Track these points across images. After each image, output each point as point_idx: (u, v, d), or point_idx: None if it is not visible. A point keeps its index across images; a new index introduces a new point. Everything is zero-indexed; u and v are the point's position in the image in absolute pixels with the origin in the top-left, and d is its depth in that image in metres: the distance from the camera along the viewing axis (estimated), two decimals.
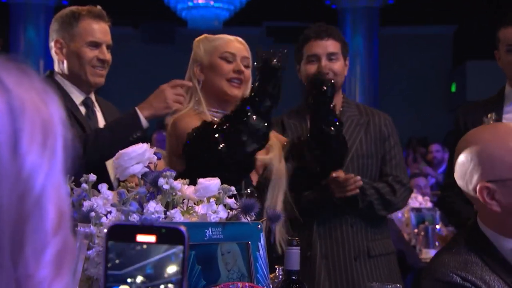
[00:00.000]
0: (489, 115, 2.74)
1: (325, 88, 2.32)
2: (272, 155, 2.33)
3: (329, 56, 2.71)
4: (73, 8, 2.55)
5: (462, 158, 1.72)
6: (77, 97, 2.54)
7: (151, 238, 0.66)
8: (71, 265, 0.62)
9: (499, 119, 2.74)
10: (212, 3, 11.03)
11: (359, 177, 2.58)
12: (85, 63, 2.48)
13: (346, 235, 2.68)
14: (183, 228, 0.66)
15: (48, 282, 0.59)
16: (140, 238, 0.66)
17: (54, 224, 0.60)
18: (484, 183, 1.64)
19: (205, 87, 2.40)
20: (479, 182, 1.65)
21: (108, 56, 2.54)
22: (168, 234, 0.66)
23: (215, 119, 2.30)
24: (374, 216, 2.74)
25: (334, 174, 2.53)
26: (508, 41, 2.74)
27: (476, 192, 1.66)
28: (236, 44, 2.41)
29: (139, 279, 0.66)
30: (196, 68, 2.43)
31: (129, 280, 0.66)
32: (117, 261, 0.66)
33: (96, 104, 2.63)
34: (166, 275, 0.66)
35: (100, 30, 2.52)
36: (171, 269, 0.66)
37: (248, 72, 2.39)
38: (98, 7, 2.58)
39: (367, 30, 11.30)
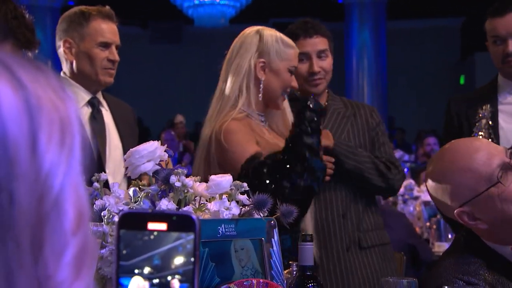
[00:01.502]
0: (484, 107, 2.71)
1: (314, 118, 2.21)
2: None
3: (319, 53, 2.68)
4: (82, 7, 2.55)
5: (430, 192, 1.73)
6: (83, 97, 2.54)
7: (162, 226, 0.65)
8: (92, 266, 0.61)
9: (494, 110, 2.71)
10: (218, 0, 11.02)
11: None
12: (96, 64, 2.49)
13: (338, 226, 2.64)
14: (194, 215, 0.66)
15: (69, 283, 0.58)
16: (151, 226, 0.66)
17: (73, 225, 0.59)
18: (459, 209, 1.63)
19: (264, 88, 2.35)
20: (454, 210, 1.64)
21: (117, 56, 2.55)
22: (179, 222, 0.65)
23: (262, 124, 2.32)
24: (368, 187, 2.67)
25: None
26: (492, 32, 2.71)
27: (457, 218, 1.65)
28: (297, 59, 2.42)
29: (147, 270, 0.65)
30: (257, 63, 2.32)
31: (136, 271, 0.66)
32: (124, 252, 0.66)
33: (104, 103, 2.62)
34: (173, 266, 0.65)
35: (110, 30, 2.53)
36: (179, 260, 0.65)
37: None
38: (107, 7, 2.58)
39: (374, 24, 11.25)
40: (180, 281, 0.65)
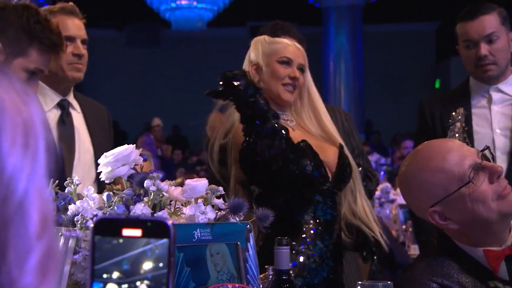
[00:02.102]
0: (457, 110, 2.72)
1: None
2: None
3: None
4: (45, 7, 2.52)
5: (402, 193, 1.77)
6: (52, 99, 2.49)
7: (137, 232, 0.65)
8: (56, 270, 0.61)
9: (467, 114, 2.72)
10: (195, 3, 11.00)
11: None
12: (61, 59, 2.45)
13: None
14: (168, 221, 0.66)
15: None
16: (126, 232, 0.66)
17: (37, 229, 0.58)
18: (430, 209, 1.65)
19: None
20: (426, 210, 1.66)
21: (83, 50, 2.50)
22: (154, 228, 0.65)
23: (284, 122, 2.35)
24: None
25: None
26: (464, 36, 2.70)
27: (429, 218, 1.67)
28: (294, 49, 2.43)
29: (115, 274, 0.65)
30: (251, 69, 2.42)
31: (104, 275, 0.65)
32: (97, 255, 0.66)
33: (75, 105, 2.57)
34: (142, 271, 0.65)
35: (73, 25, 2.49)
36: (148, 265, 0.65)
37: (302, 78, 2.42)
38: (70, 3, 2.55)
39: (351, 28, 11.33)
40: (149, 286, 0.65)
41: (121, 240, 0.66)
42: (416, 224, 2.86)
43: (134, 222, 0.66)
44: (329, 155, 2.34)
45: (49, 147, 0.61)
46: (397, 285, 1.73)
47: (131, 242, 0.66)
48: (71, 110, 2.54)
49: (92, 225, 1.30)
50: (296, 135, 2.31)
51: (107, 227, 0.66)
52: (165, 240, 0.65)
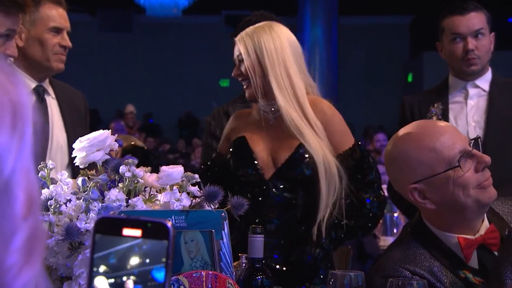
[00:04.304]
0: (435, 105, 2.82)
1: None
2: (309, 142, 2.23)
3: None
4: None
5: (386, 166, 1.78)
6: (27, 85, 2.47)
7: (137, 232, 0.67)
8: (42, 252, 0.60)
9: (445, 108, 2.82)
10: None
11: None
12: (47, 49, 2.43)
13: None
14: (168, 223, 0.67)
15: (18, 269, 0.56)
16: (126, 231, 0.67)
17: (24, 209, 0.58)
18: (412, 185, 1.67)
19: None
20: (407, 185, 1.68)
21: (68, 42, 2.50)
22: (154, 229, 0.67)
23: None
24: None
25: None
26: (452, 29, 2.80)
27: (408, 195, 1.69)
28: (236, 47, 2.35)
29: (102, 268, 0.66)
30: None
31: (94, 269, 0.67)
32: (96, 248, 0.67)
33: (50, 91, 2.56)
34: (128, 267, 0.66)
35: (61, 15, 2.48)
36: (134, 260, 0.66)
37: (244, 68, 2.28)
38: None
39: (326, 19, 11.35)
40: (135, 282, 0.65)
41: (120, 239, 0.67)
42: (393, 195, 2.87)
43: (135, 223, 0.67)
44: (280, 150, 2.27)
45: (36, 129, 0.60)
46: (370, 272, 1.75)
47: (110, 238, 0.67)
48: (46, 97, 2.52)
49: (64, 208, 1.29)
50: (266, 128, 2.29)
51: (108, 226, 0.67)
52: (164, 242, 0.66)
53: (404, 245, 1.72)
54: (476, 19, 2.78)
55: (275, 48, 2.25)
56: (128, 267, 0.66)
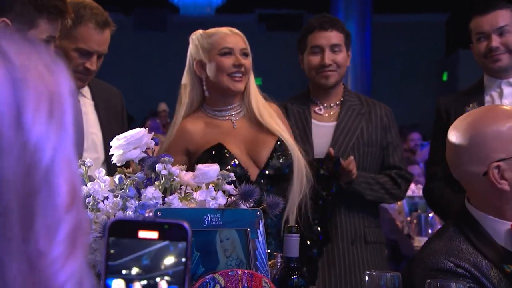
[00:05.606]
0: (471, 105, 2.78)
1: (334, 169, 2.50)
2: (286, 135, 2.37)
3: (332, 47, 2.76)
4: (79, 2, 2.38)
5: (460, 143, 1.71)
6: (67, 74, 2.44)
7: (153, 235, 0.64)
8: (86, 244, 0.60)
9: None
10: None
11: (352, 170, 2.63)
12: (69, 67, 2.37)
13: (345, 220, 2.70)
14: (186, 224, 0.65)
15: (62, 261, 0.56)
16: (142, 234, 0.65)
17: (66, 200, 0.57)
18: (496, 163, 1.65)
19: (208, 84, 2.40)
20: (491, 162, 1.65)
21: (94, 66, 2.41)
22: (171, 230, 0.65)
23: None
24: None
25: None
26: (477, 29, 2.78)
27: (482, 174, 1.66)
28: (232, 38, 2.39)
29: (135, 270, 0.64)
30: (196, 66, 2.41)
31: (124, 271, 0.64)
32: (112, 251, 0.65)
33: (85, 90, 2.55)
34: (163, 267, 0.64)
35: (97, 40, 2.39)
36: (169, 260, 0.64)
37: (248, 62, 2.39)
38: (105, 13, 2.42)
39: (360, 17, 11.26)
40: (169, 282, 0.64)
41: (136, 240, 0.65)
42: (430, 199, 2.85)
43: (151, 225, 0.65)
44: (259, 149, 2.32)
45: (77, 119, 0.60)
46: (408, 266, 1.73)
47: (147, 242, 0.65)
48: (80, 98, 2.52)
49: (102, 206, 1.29)
50: (232, 133, 2.33)
51: (123, 228, 0.65)
52: (182, 243, 0.64)
53: (446, 238, 1.69)
54: (500, 16, 2.75)
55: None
56: (146, 269, 0.64)
